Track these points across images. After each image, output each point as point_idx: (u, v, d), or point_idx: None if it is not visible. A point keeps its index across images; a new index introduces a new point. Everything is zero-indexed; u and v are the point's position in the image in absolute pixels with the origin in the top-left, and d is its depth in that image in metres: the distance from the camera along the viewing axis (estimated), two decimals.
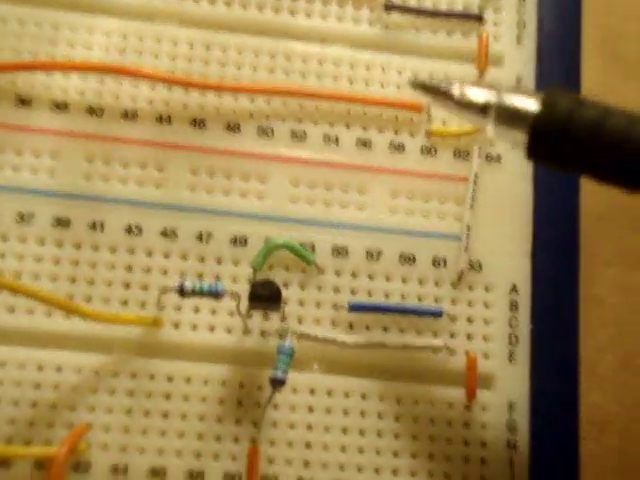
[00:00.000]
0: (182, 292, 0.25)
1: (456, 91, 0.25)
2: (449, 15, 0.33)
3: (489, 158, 0.31)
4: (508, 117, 0.24)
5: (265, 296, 0.26)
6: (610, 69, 0.36)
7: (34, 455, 0.26)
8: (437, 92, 0.26)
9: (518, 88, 0.24)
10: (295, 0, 0.32)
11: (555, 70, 0.33)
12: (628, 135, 0.22)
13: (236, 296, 0.26)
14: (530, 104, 0.23)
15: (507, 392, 0.29)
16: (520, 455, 0.28)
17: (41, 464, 0.27)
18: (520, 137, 0.23)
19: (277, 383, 0.25)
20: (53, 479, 0.26)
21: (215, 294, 0.25)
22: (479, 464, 0.29)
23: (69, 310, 0.25)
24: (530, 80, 0.33)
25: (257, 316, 0.29)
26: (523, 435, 0.29)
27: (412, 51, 0.32)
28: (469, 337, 0.30)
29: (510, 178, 0.31)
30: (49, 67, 0.29)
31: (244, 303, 0.28)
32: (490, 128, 0.24)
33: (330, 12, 0.32)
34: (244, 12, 0.32)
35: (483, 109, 0.24)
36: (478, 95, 0.25)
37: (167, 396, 0.28)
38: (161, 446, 0.27)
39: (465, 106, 0.25)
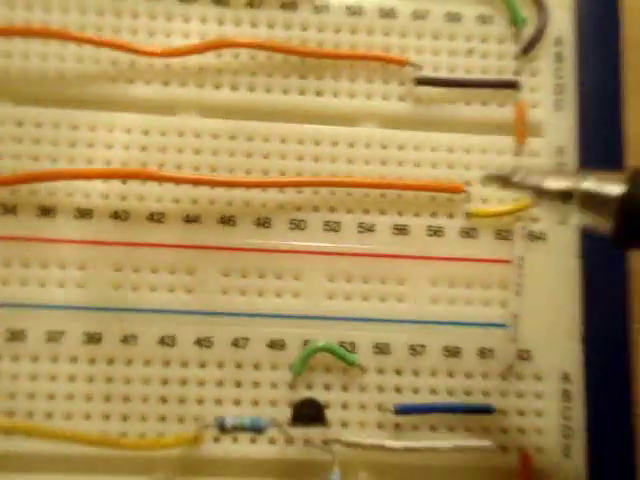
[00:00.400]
0: (222, 429, 0.24)
1: (533, 181, 0.24)
2: (482, 85, 0.31)
3: (532, 237, 0.30)
4: (592, 202, 0.23)
5: (308, 416, 0.25)
6: None
7: None
8: (512, 184, 0.25)
9: (597, 172, 0.23)
10: (321, 79, 0.30)
11: (600, 136, 0.31)
12: None
13: (279, 425, 0.25)
14: (614, 187, 0.22)
15: None
16: None
17: None
18: (605, 222, 0.22)
19: None
20: None
21: (257, 429, 0.24)
22: None
23: (106, 445, 0.24)
24: (571, 149, 0.31)
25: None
26: None
27: (446, 126, 0.31)
28: (521, 431, 0.28)
29: (556, 256, 0.30)
30: (70, 176, 0.28)
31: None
32: (574, 216, 0.24)
33: (358, 90, 0.30)
34: (268, 97, 0.30)
35: (565, 196, 0.24)
36: (558, 183, 0.24)
37: None
38: None
39: (545, 195, 0.24)
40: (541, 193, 0.24)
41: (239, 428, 0.24)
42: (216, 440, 0.28)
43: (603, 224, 0.22)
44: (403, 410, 0.28)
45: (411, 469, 0.28)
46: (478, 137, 0.31)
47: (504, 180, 0.26)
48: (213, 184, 0.29)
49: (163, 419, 0.28)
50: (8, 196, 0.29)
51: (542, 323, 0.29)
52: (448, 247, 0.30)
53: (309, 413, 0.26)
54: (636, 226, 0.22)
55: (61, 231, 0.29)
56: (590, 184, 0.23)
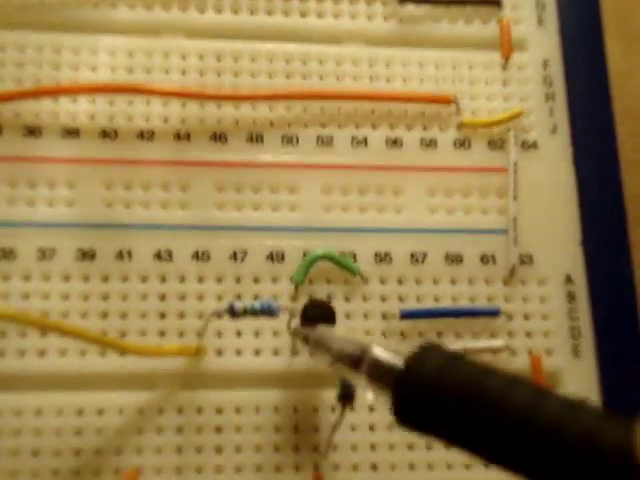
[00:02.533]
0: (233, 313, 0.24)
1: (334, 344, 0.23)
2: (465, 2, 0.32)
3: (526, 145, 0.30)
4: (377, 373, 0.21)
5: (318, 317, 0.25)
6: (629, 48, 0.35)
7: None
8: (309, 341, 0.25)
9: (391, 347, 0.22)
10: (305, 1, 0.31)
11: (580, 49, 0.32)
12: (506, 399, 0.18)
13: (291, 312, 0.25)
14: (397, 359, 0.20)
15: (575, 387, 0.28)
16: None
17: None
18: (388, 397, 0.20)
19: (346, 398, 0.24)
20: None
21: (269, 312, 0.24)
22: None
23: (109, 345, 0.24)
24: (557, 62, 0.32)
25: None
26: None
27: (431, 43, 0.32)
28: (528, 335, 0.28)
29: (550, 164, 0.31)
30: (54, 92, 0.28)
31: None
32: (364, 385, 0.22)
33: (343, 10, 0.31)
34: (253, 18, 0.31)
35: (356, 362, 0.22)
36: (352, 348, 0.22)
37: (218, 429, 0.27)
38: None
39: (340, 359, 0.23)
40: (335, 355, 0.23)
41: (249, 312, 0.24)
42: (219, 353, 0.27)
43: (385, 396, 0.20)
44: (409, 315, 0.28)
45: None
46: (465, 53, 0.32)
47: (304, 336, 0.25)
48: (202, 97, 0.29)
49: (162, 334, 0.27)
50: None
51: (542, 227, 0.30)
52: (442, 158, 0.30)
53: (318, 314, 0.25)
54: (410, 407, 0.19)
55: (48, 150, 0.29)
56: (376, 353, 0.21)
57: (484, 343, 0.28)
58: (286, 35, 0.31)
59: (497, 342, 0.28)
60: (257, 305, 0.24)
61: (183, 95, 0.29)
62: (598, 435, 0.16)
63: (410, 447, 0.27)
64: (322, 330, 0.24)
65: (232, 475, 0.26)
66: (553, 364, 0.29)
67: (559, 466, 0.16)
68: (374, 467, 0.27)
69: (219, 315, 0.25)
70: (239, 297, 0.28)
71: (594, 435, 0.16)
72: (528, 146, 0.31)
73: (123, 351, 0.25)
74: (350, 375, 0.22)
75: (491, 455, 0.17)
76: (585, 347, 0.29)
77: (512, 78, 0.32)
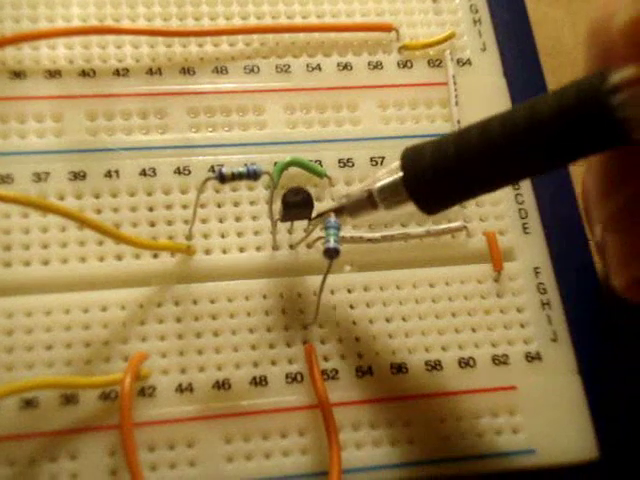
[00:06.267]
0: (222, 178, 0.28)
1: (343, 200, 0.29)
2: None
3: (461, 62, 0.36)
4: (391, 196, 0.26)
5: (298, 202, 0.29)
6: None
7: (99, 384, 0.28)
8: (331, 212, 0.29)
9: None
10: None
11: None
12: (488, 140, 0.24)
13: (271, 176, 0.29)
14: (393, 173, 0.26)
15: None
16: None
17: (107, 395, 0.28)
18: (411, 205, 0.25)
19: (332, 252, 0.28)
20: (123, 404, 0.27)
21: (254, 174, 0.28)
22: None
23: (106, 233, 0.27)
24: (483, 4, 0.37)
25: (283, 232, 0.31)
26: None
27: None
28: (481, 219, 0.33)
29: (484, 77, 0.36)
30: (34, 36, 0.32)
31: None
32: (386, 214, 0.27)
33: None
34: None
35: (372, 203, 0.27)
36: (357, 192, 0.27)
37: (214, 316, 0.30)
38: (219, 361, 0.29)
39: (357, 208, 0.28)
40: (354, 208, 0.28)
41: (237, 176, 0.28)
42: (207, 252, 0.31)
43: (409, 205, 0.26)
44: None
45: (389, 260, 0.32)
46: None
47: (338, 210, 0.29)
48: (169, 34, 0.33)
49: (154, 239, 0.31)
50: None
51: None
52: (389, 77, 0.35)
53: (298, 199, 0.29)
54: (428, 196, 0.26)
55: (34, 90, 0.33)
56: (380, 180, 0.27)
57: (444, 226, 0.32)
58: None
59: (456, 224, 0.32)
60: (243, 169, 0.28)
61: (151, 33, 0.33)
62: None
63: (388, 320, 0.31)
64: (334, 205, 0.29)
65: (230, 353, 0.30)
66: (507, 241, 0.33)
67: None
68: (357, 339, 0.31)
69: (210, 179, 0.28)
70: (219, 205, 0.32)
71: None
72: (463, 63, 0.36)
73: (120, 240, 0.28)
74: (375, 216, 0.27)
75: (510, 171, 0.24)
76: (533, 225, 0.33)
77: (442, 9, 0.37)
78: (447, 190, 0.26)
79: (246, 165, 0.28)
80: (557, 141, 0.23)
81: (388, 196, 0.27)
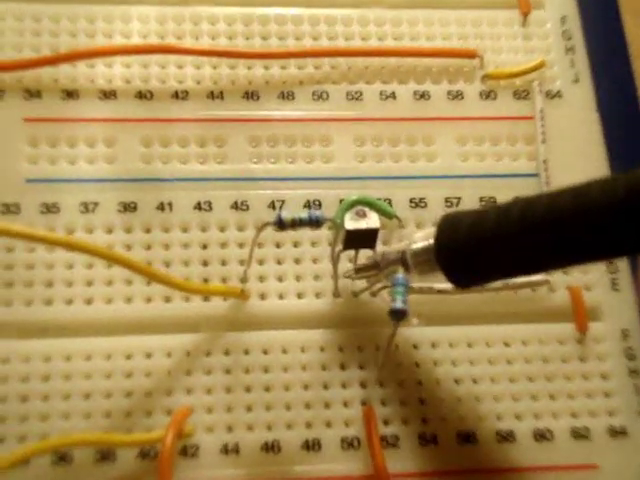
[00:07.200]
0: (281, 225, 0.25)
1: (378, 258, 0.27)
2: None
3: (550, 95, 0.32)
4: (424, 262, 0.25)
5: (362, 231, 0.26)
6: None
7: (138, 442, 0.26)
8: (368, 270, 0.28)
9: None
10: None
11: (599, 6, 0.34)
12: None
13: (336, 224, 0.26)
14: (429, 238, 0.24)
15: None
16: None
17: (146, 454, 0.26)
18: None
19: (399, 314, 0.25)
20: (162, 465, 0.25)
21: (316, 222, 0.25)
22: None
23: (156, 279, 0.25)
24: (576, 18, 0.34)
25: (346, 280, 0.29)
26: None
27: (452, 4, 0.33)
28: (565, 272, 0.30)
29: (575, 111, 0.32)
30: (90, 54, 0.30)
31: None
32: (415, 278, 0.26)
33: None
34: None
35: (405, 266, 0.25)
36: (393, 252, 0.26)
37: (266, 369, 0.28)
38: (269, 420, 0.27)
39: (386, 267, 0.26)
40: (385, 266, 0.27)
41: (297, 223, 0.25)
42: (262, 297, 0.29)
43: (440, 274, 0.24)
44: None
45: (460, 314, 0.29)
46: (485, 11, 0.34)
47: (362, 271, 0.28)
48: (233, 56, 0.31)
49: (206, 281, 0.28)
50: (32, 82, 0.30)
51: (571, 169, 0.31)
52: (470, 109, 0.32)
53: (362, 228, 0.27)
54: (461, 269, 0.24)
55: (86, 112, 0.31)
56: (415, 244, 0.25)
57: (525, 279, 0.29)
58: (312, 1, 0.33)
59: (537, 277, 0.29)
60: (304, 215, 0.25)
61: (214, 54, 0.31)
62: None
63: (456, 382, 0.28)
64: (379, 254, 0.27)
65: (282, 412, 0.27)
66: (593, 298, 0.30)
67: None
68: (423, 401, 0.28)
69: (267, 226, 0.26)
70: (278, 245, 0.29)
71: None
72: (552, 96, 0.33)
73: (171, 286, 0.26)
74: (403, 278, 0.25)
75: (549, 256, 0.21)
76: (623, 281, 0.30)
77: (532, 34, 0.34)
78: (482, 267, 0.23)
79: (309, 209, 0.26)
80: (604, 233, 0.20)
81: (421, 261, 0.25)
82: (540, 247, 0.22)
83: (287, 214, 0.26)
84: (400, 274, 0.26)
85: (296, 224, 0.26)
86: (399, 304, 0.25)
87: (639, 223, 0.19)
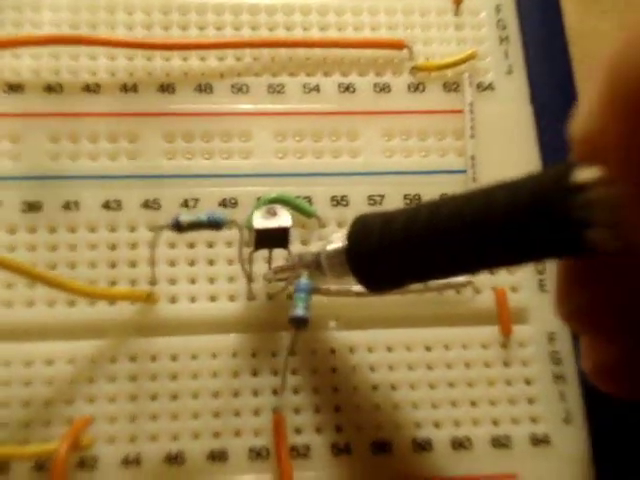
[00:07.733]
0: (179, 227, 0.24)
1: (295, 260, 0.26)
2: None
3: (481, 87, 0.31)
4: (337, 265, 0.24)
5: (272, 230, 0.25)
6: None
7: (32, 454, 0.25)
8: (286, 271, 0.27)
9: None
10: None
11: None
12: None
13: (238, 226, 0.25)
14: (344, 239, 0.23)
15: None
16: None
17: (41, 465, 0.25)
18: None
19: (299, 321, 0.24)
20: (55, 477, 0.24)
21: (215, 224, 0.24)
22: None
23: (57, 285, 0.24)
24: (511, 7, 0.32)
25: (261, 282, 0.27)
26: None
27: None
28: (492, 272, 0.29)
29: (507, 105, 0.31)
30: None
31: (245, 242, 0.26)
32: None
33: None
34: None
35: (320, 269, 0.24)
36: (309, 254, 0.25)
37: (173, 376, 0.27)
38: (174, 430, 0.26)
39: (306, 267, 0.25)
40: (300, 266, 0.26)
41: (196, 225, 0.24)
42: (172, 300, 0.27)
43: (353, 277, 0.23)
44: None
45: (379, 317, 0.28)
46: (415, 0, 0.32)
47: (280, 272, 0.27)
48: (149, 47, 0.29)
49: (113, 283, 0.27)
50: None
51: (500, 166, 0.30)
52: (397, 102, 0.31)
53: (272, 227, 0.25)
54: (370, 273, 0.23)
55: None
56: (329, 245, 0.24)
57: (446, 280, 0.28)
58: None
59: (460, 278, 0.28)
60: (203, 217, 0.24)
61: (129, 45, 0.29)
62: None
63: (374, 388, 0.27)
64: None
65: (188, 421, 0.26)
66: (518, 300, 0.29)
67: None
68: (337, 408, 0.27)
69: (163, 229, 0.25)
70: (193, 245, 0.28)
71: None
72: (484, 88, 0.31)
73: (71, 292, 0.25)
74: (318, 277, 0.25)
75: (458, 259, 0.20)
76: (551, 282, 0.29)
77: (465, 23, 0.32)
78: (392, 271, 0.22)
79: (209, 211, 0.25)
80: (508, 240, 0.19)
81: (335, 264, 0.24)
82: (447, 250, 0.20)
83: (185, 217, 0.24)
84: (303, 279, 0.24)
85: (194, 227, 0.24)
86: (300, 311, 0.24)
87: (541, 229, 0.18)
